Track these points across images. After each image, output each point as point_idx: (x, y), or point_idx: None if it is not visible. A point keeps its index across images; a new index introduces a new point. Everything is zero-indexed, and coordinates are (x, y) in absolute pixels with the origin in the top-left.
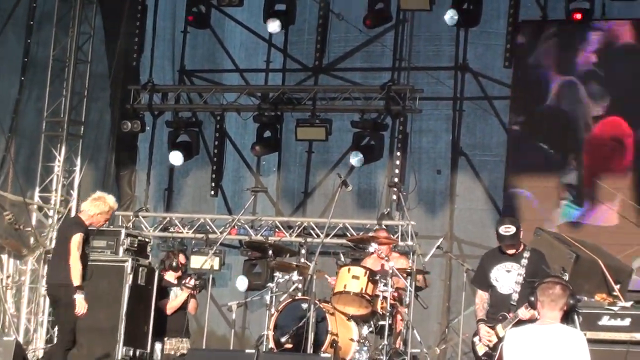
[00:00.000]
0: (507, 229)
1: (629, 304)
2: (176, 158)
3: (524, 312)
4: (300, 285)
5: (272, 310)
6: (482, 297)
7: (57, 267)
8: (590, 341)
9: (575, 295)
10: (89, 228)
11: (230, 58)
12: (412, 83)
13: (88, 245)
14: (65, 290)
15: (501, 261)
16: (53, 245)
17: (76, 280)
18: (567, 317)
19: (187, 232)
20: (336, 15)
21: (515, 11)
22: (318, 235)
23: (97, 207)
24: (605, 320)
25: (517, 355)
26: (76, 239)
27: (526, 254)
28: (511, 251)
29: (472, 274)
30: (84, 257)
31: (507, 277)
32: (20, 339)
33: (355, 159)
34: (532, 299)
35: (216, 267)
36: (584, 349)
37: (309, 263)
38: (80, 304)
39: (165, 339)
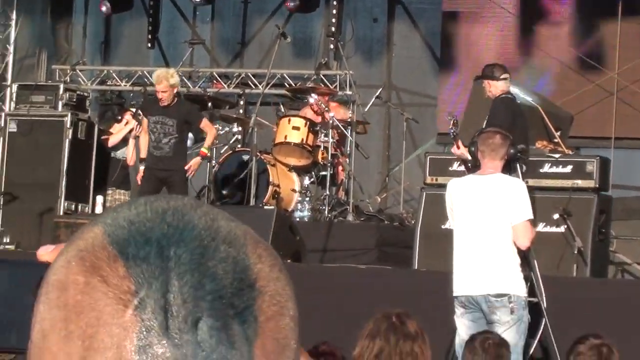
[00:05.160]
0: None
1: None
2: None
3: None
4: (240, 137)
5: (213, 162)
6: None
7: None
8: (533, 188)
9: (516, 145)
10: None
11: None
12: None
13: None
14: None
15: None
16: None
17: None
18: (509, 167)
19: (124, 85)
20: None
21: None
22: (256, 86)
23: None
24: (547, 168)
25: (459, 205)
26: None
27: None
28: None
29: (411, 122)
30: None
31: None
32: None
33: None
34: (473, 149)
35: None
36: (524, 197)
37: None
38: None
39: (109, 190)
